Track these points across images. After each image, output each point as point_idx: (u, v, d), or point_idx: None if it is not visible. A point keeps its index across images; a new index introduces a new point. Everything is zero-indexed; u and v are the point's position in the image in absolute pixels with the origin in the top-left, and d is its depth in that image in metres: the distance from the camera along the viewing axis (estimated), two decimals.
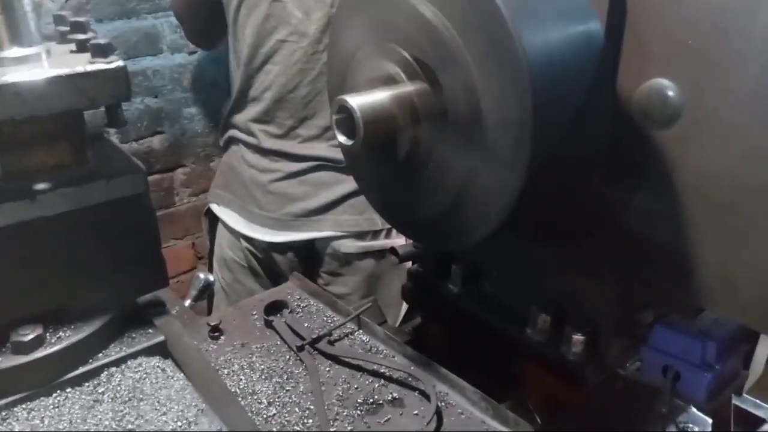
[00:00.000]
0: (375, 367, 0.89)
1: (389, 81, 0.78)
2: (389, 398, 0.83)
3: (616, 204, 0.82)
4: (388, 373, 0.87)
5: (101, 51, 0.67)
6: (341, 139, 0.77)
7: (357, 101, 0.73)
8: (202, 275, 1.16)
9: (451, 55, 0.71)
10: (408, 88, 0.76)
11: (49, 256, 0.71)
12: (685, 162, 0.71)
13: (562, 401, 0.96)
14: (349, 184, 1.47)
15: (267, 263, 1.58)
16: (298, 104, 1.44)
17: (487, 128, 0.70)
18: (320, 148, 1.47)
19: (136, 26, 1.80)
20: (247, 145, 1.52)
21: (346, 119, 0.75)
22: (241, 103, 1.51)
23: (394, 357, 0.91)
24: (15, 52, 0.67)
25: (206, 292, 1.15)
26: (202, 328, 0.96)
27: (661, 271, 0.81)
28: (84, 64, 0.66)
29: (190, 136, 2.01)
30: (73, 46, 0.72)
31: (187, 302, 1.11)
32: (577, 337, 0.92)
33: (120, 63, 0.67)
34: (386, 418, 0.80)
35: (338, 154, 1.44)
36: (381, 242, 1.53)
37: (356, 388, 0.85)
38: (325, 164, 1.48)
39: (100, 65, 0.66)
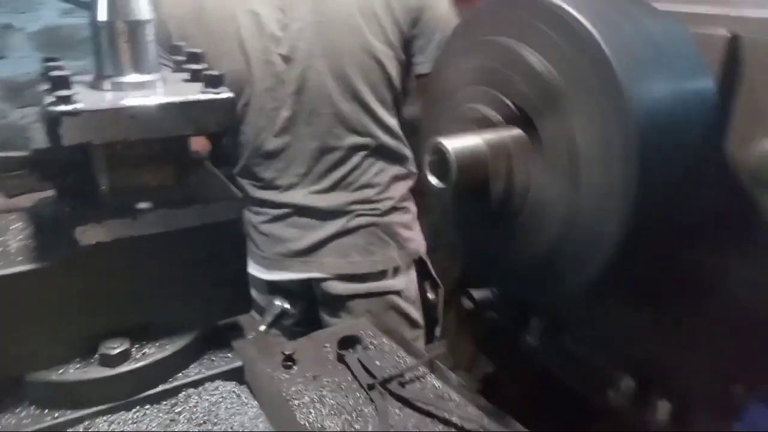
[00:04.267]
0: (446, 415, 0.86)
1: (486, 123, 0.77)
2: None
3: (719, 271, 0.78)
4: (459, 423, 0.85)
5: (213, 81, 0.70)
6: (433, 181, 0.76)
7: (453, 144, 0.73)
8: (278, 302, 1.17)
9: (554, 104, 0.69)
10: (504, 133, 0.75)
11: (143, 272, 0.74)
12: None
13: None
14: (330, 226, 1.49)
15: (266, 302, 1.60)
16: (272, 158, 1.48)
17: (587, 178, 0.68)
18: (298, 196, 1.49)
19: None
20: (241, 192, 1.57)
21: (439, 161, 0.74)
22: (228, 160, 1.55)
23: (466, 407, 0.89)
24: (134, 77, 0.71)
25: (281, 319, 1.16)
26: (276, 355, 0.97)
27: (763, 345, 0.76)
28: (196, 93, 0.69)
29: None
30: (186, 75, 0.75)
31: (262, 328, 1.12)
32: (664, 405, 0.87)
33: (229, 94, 0.70)
34: None
35: (315, 202, 1.48)
36: (367, 285, 1.54)
37: None
38: (302, 211, 1.50)
39: (211, 95, 0.69)
